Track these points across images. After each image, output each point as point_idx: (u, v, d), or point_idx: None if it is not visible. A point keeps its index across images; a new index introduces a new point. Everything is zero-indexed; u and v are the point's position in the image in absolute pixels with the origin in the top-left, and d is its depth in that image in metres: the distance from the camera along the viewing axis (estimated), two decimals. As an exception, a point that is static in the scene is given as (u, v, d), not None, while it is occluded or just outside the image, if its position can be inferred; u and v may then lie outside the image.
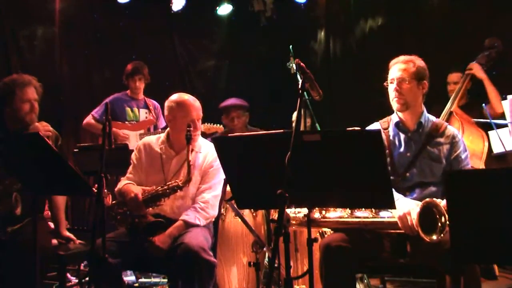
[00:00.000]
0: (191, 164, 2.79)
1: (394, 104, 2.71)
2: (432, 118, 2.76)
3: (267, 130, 4.60)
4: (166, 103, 3.05)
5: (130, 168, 3.07)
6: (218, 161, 2.84)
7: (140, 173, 3.03)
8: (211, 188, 2.96)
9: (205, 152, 3.03)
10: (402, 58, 2.73)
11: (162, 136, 3.10)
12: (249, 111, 4.66)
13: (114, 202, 2.99)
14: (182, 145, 2.95)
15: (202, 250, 2.63)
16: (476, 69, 4.17)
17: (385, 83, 2.75)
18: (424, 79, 2.70)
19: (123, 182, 2.99)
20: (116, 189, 3.01)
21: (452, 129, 2.70)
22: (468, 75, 4.18)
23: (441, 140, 2.66)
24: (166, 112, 3.05)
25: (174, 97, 3.04)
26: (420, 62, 2.71)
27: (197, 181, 2.97)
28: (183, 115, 2.95)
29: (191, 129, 2.84)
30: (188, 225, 2.84)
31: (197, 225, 2.85)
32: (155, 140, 3.10)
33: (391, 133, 2.75)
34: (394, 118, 2.77)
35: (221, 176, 2.96)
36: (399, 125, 2.74)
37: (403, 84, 2.66)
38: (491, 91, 4.13)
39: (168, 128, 3.12)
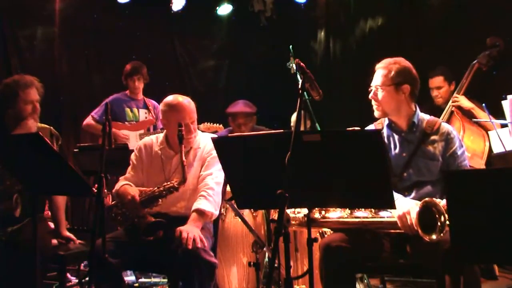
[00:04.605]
0: (185, 164, 2.78)
1: (374, 111, 2.70)
2: (426, 116, 2.72)
3: (271, 129, 4.63)
4: (160, 106, 3.03)
5: (129, 168, 3.07)
6: None
7: (139, 174, 3.03)
8: (212, 174, 2.93)
9: (203, 144, 3.03)
10: (383, 63, 2.67)
11: (161, 136, 3.10)
12: (256, 114, 4.66)
13: (113, 203, 2.99)
14: None
15: (202, 250, 2.62)
16: (461, 100, 4.07)
17: (369, 89, 2.71)
18: (406, 82, 2.61)
19: (120, 183, 2.99)
20: (113, 190, 3.01)
21: (446, 126, 2.68)
22: (455, 106, 4.07)
23: (436, 137, 2.64)
24: (160, 116, 3.05)
25: (168, 99, 3.02)
26: (399, 66, 2.62)
27: (198, 172, 2.97)
28: (176, 118, 2.91)
29: (182, 128, 2.82)
30: (202, 214, 2.78)
31: (211, 214, 2.81)
32: (155, 140, 3.10)
33: (385, 135, 2.74)
34: (386, 119, 2.76)
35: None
36: (392, 126, 2.73)
37: (378, 92, 2.64)
38: (483, 117, 3.92)
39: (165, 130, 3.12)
